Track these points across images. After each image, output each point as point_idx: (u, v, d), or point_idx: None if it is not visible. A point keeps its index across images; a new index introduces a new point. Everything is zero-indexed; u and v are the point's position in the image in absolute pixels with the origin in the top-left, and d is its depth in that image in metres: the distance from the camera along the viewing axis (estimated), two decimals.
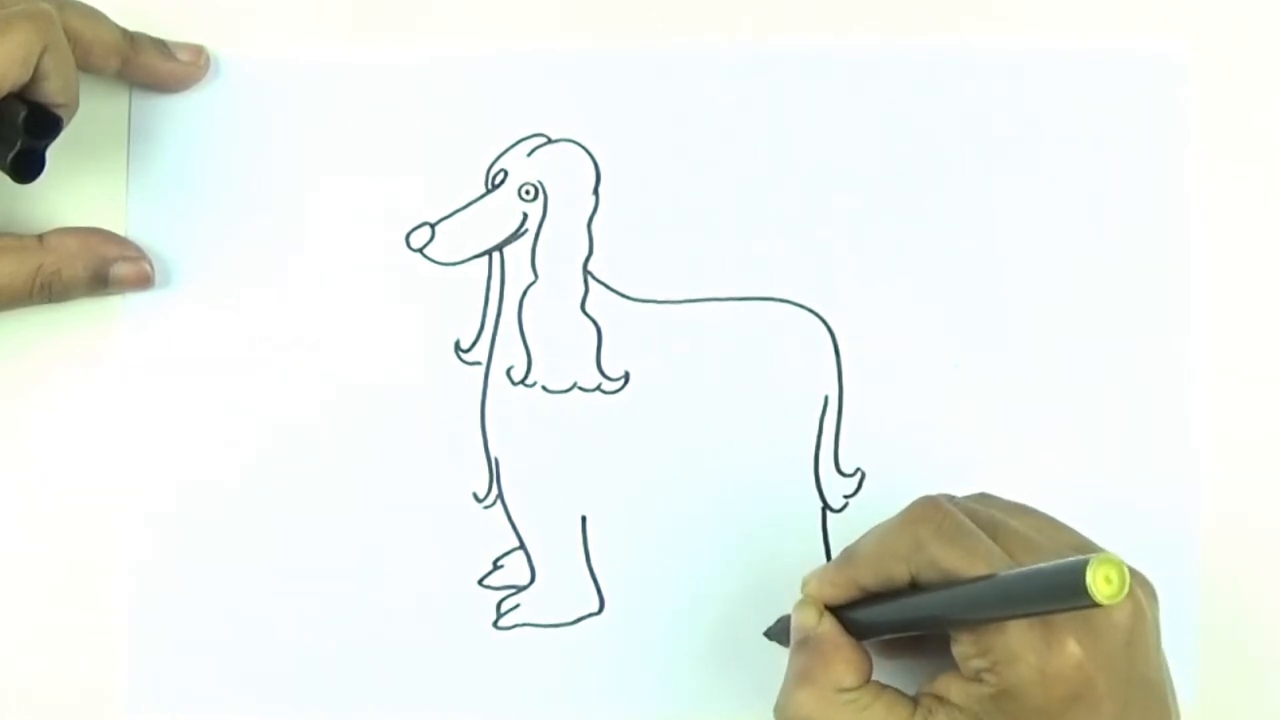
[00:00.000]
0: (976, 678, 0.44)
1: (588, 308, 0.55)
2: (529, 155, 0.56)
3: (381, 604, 0.54)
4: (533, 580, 0.55)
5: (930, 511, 0.46)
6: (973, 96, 0.56)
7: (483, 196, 0.56)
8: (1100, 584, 0.37)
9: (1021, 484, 0.53)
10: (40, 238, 0.53)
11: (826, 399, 0.55)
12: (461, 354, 0.55)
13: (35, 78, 0.49)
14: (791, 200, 0.55)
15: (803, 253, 0.55)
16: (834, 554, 0.54)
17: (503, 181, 0.56)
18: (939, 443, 0.54)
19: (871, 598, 0.47)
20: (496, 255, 0.55)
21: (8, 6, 0.49)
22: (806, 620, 0.48)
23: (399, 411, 0.55)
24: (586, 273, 0.55)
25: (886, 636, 0.48)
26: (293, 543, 0.54)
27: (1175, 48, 0.56)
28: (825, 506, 0.55)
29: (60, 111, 0.51)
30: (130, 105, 0.56)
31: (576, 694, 0.54)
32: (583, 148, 0.56)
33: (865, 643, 0.48)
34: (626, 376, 0.55)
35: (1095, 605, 0.37)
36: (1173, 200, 0.55)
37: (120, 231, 0.55)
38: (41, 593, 0.54)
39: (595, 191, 0.56)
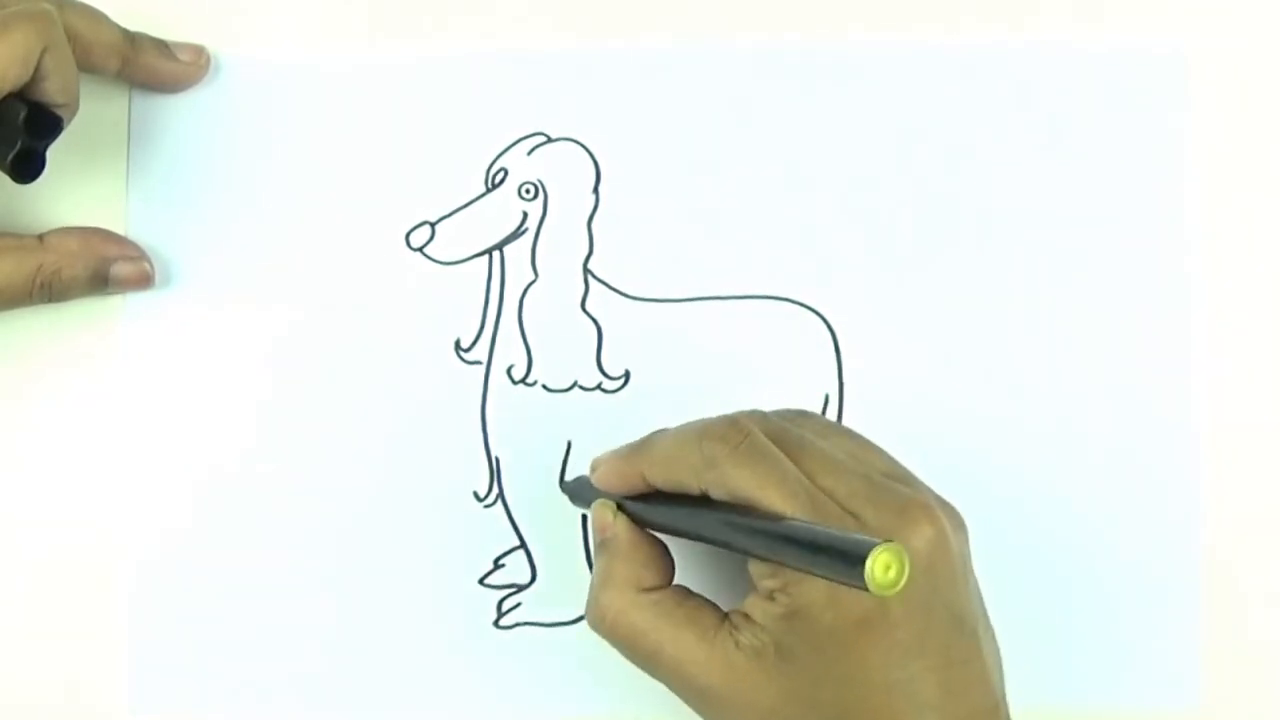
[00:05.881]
0: (769, 596, 0.44)
1: (588, 306, 0.55)
2: (529, 154, 0.56)
3: (382, 603, 0.54)
4: (534, 579, 0.55)
5: (728, 430, 0.45)
6: (973, 95, 0.56)
7: (483, 195, 0.55)
8: (878, 570, 0.36)
9: (1022, 483, 0.53)
10: (40, 237, 0.53)
11: (827, 398, 0.55)
12: (462, 353, 0.55)
13: (35, 78, 0.49)
14: (792, 199, 0.55)
15: (803, 251, 0.55)
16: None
17: (503, 180, 0.56)
18: (939, 442, 0.54)
19: (664, 497, 0.47)
20: (496, 254, 0.55)
21: (8, 6, 0.49)
22: (603, 518, 0.48)
23: (399, 411, 0.55)
24: (586, 271, 0.55)
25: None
26: (293, 542, 0.54)
27: (1176, 47, 0.56)
28: None
29: (60, 111, 0.51)
30: (130, 105, 0.55)
31: (577, 693, 0.54)
32: (583, 146, 0.56)
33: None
34: (627, 375, 0.55)
35: (865, 589, 0.36)
36: (1173, 199, 0.55)
37: (120, 231, 0.55)
38: (42, 593, 0.54)
39: (595, 190, 0.56)
